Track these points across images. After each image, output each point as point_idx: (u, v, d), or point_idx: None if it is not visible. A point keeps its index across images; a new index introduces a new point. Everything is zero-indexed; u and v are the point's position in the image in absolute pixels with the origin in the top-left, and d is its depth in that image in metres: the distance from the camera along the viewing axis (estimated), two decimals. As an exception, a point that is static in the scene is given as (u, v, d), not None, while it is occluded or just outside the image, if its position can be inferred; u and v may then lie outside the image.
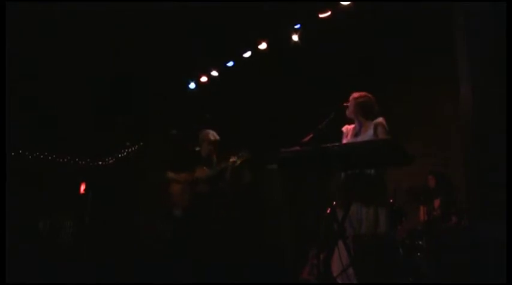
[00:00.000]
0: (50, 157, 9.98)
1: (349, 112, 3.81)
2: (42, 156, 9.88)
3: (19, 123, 7.66)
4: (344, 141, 3.85)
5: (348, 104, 3.81)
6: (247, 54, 6.77)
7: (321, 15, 5.77)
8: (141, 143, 9.33)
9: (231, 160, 4.86)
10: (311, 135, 3.30)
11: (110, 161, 10.22)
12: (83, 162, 10.28)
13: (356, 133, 3.77)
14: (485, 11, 3.20)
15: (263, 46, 6.53)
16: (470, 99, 3.23)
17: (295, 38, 6.18)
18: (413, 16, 5.61)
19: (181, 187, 4.97)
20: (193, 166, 5.10)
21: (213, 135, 5.17)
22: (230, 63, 7.13)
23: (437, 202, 5.71)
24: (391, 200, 4.92)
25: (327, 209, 4.22)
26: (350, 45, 6.29)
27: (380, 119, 3.70)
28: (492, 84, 3.11)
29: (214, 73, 7.40)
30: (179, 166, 5.08)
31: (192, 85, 7.72)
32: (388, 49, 6.28)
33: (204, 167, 5.07)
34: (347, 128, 3.89)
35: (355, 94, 3.82)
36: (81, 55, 7.08)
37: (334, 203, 3.60)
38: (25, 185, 8.70)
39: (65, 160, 10.17)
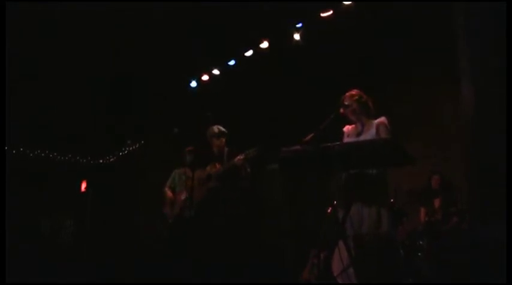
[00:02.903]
0: (50, 155, 9.98)
1: (353, 113, 3.72)
2: (43, 154, 9.88)
3: (19, 122, 7.67)
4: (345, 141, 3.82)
5: (346, 106, 3.74)
6: (249, 53, 6.76)
7: (322, 14, 5.77)
8: (142, 142, 9.33)
9: (238, 157, 4.88)
10: (312, 134, 3.29)
11: (111, 160, 10.22)
12: (84, 160, 10.29)
13: (358, 133, 3.72)
14: (485, 11, 3.20)
15: (264, 45, 6.53)
16: (470, 99, 3.22)
17: (296, 37, 6.17)
18: (413, 16, 5.61)
19: (195, 184, 4.99)
20: (206, 163, 5.14)
21: (217, 127, 5.20)
22: (231, 62, 7.12)
23: (437, 202, 5.72)
24: (391, 200, 4.92)
25: (328, 209, 4.23)
26: (350, 45, 6.29)
27: (382, 118, 3.67)
28: (492, 84, 3.11)
29: (216, 71, 7.40)
30: (193, 164, 5.11)
31: (193, 84, 7.72)
32: (388, 49, 6.28)
33: (216, 164, 5.10)
34: (348, 128, 3.85)
35: (354, 94, 3.75)
36: (81, 55, 7.09)
37: (335, 202, 3.59)
38: (25, 184, 8.71)
39: (66, 158, 10.18)
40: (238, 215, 5.02)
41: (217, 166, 5.10)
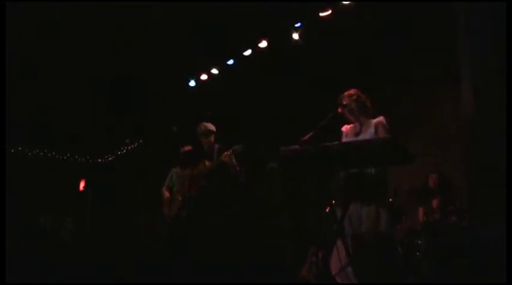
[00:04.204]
0: (49, 155, 9.98)
1: (352, 113, 3.72)
2: (41, 153, 9.88)
3: (19, 122, 7.67)
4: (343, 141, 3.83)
5: (345, 105, 3.75)
6: (248, 52, 6.76)
7: (321, 14, 5.76)
8: (141, 141, 9.33)
9: (225, 154, 4.86)
10: (311, 134, 3.29)
11: (110, 159, 10.22)
12: (83, 159, 10.29)
13: (356, 133, 3.73)
14: (485, 11, 3.20)
15: (263, 44, 6.52)
16: (470, 99, 3.23)
17: (295, 36, 6.16)
18: (413, 16, 5.61)
19: (187, 183, 4.99)
20: (197, 161, 5.12)
21: (204, 125, 5.17)
22: (230, 62, 7.12)
23: (435, 202, 5.72)
24: (390, 199, 4.92)
25: (326, 208, 4.22)
26: (350, 45, 6.29)
27: (381, 118, 3.68)
28: (492, 84, 3.11)
29: (215, 71, 7.38)
30: (184, 162, 5.10)
31: (192, 83, 7.71)
32: (388, 49, 6.28)
33: (206, 161, 5.08)
34: (346, 128, 3.85)
35: (353, 94, 3.75)
36: (80, 55, 7.09)
37: (334, 201, 3.60)
38: (24, 183, 8.70)
39: (65, 157, 10.18)
40: (230, 213, 5.00)
41: (206, 163, 5.07)
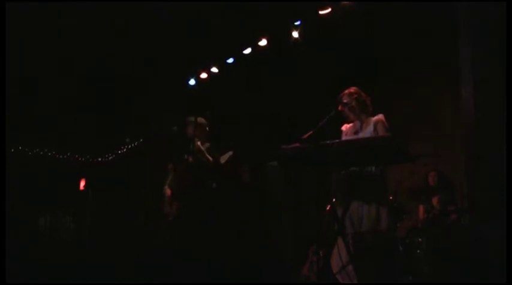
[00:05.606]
0: (49, 154, 9.97)
1: (352, 111, 3.74)
2: (41, 153, 9.87)
3: (19, 121, 7.67)
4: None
5: (345, 103, 3.76)
6: (247, 51, 6.74)
7: (321, 12, 5.75)
8: (141, 140, 9.33)
9: (196, 144, 4.82)
10: (311, 132, 3.30)
11: (110, 158, 10.22)
12: (83, 158, 10.28)
13: (356, 131, 3.75)
14: (485, 11, 3.20)
15: (263, 43, 6.51)
16: (470, 99, 3.23)
17: (295, 34, 6.15)
18: (413, 16, 5.61)
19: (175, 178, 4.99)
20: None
21: (198, 119, 5.14)
22: (230, 60, 7.10)
23: (435, 200, 5.74)
24: (390, 198, 4.93)
25: (327, 207, 4.24)
26: (350, 45, 6.29)
27: (380, 116, 3.70)
28: (493, 84, 3.12)
29: (215, 69, 7.37)
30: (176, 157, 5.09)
31: (191, 82, 7.69)
32: (388, 49, 6.28)
33: (189, 157, 5.03)
34: (346, 127, 3.87)
35: (353, 92, 3.76)
36: (81, 54, 7.09)
37: (334, 200, 3.61)
38: (25, 182, 8.70)
39: (65, 156, 10.17)
40: (215, 209, 4.96)
41: (190, 160, 5.03)
